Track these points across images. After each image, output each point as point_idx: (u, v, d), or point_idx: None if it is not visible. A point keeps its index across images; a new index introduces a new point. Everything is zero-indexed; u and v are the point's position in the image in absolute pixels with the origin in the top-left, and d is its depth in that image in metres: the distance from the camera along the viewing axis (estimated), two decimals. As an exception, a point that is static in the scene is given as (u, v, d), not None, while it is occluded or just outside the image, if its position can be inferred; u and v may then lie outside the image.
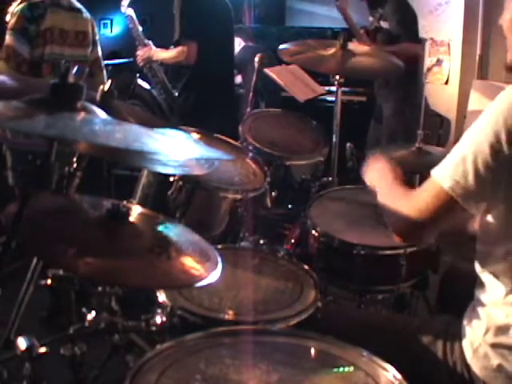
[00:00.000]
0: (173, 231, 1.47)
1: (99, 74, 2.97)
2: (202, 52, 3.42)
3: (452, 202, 1.30)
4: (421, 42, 3.89)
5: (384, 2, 3.69)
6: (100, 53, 2.99)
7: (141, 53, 3.80)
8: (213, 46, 3.46)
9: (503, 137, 1.25)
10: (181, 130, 1.81)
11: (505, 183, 1.28)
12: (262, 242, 2.13)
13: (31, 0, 2.68)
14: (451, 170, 1.30)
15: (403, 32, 3.61)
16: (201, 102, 3.50)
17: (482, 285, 1.41)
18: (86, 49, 2.88)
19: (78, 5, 2.89)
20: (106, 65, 3.10)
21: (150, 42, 3.79)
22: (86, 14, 2.90)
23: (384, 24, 3.68)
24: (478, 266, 1.41)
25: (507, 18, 1.40)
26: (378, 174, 1.64)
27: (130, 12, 3.84)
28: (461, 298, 1.51)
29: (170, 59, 3.61)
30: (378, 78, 3.86)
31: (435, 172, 1.34)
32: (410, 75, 3.52)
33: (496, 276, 1.36)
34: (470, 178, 1.27)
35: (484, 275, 1.39)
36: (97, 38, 2.96)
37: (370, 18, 3.82)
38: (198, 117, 3.29)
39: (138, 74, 3.97)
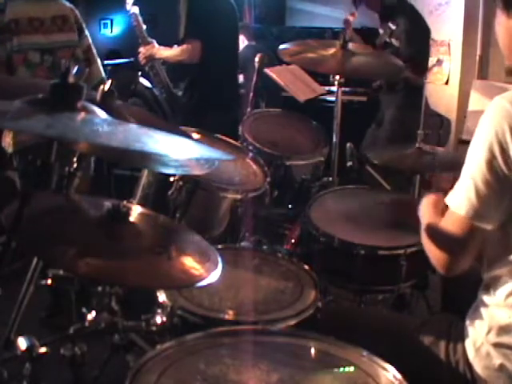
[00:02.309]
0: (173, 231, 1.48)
1: (95, 61, 2.96)
2: (207, 51, 3.42)
3: (472, 226, 1.31)
4: (426, 67, 3.82)
5: (396, 16, 3.64)
6: (90, 40, 2.97)
7: (143, 50, 3.78)
8: (217, 46, 3.46)
9: (497, 150, 1.26)
10: (181, 129, 1.81)
11: (508, 194, 1.29)
12: (261, 241, 2.14)
13: None
14: (461, 196, 1.32)
15: (407, 55, 3.55)
16: (205, 101, 3.50)
17: (484, 285, 1.41)
18: (69, 34, 2.85)
19: None
20: (106, 65, 3.10)
21: (154, 41, 3.79)
22: (63, 2, 2.88)
23: (395, 42, 3.64)
24: (481, 267, 1.41)
25: (497, 30, 1.40)
26: (423, 212, 1.57)
27: (135, 10, 3.84)
28: (465, 297, 1.51)
29: (174, 57, 3.61)
30: (378, 79, 3.85)
31: (449, 201, 1.35)
32: (414, 86, 3.51)
33: (498, 277, 1.36)
34: (477, 199, 1.29)
35: (487, 276, 1.40)
36: (83, 25, 2.93)
37: (381, 31, 3.79)
38: (201, 116, 3.28)
39: (139, 72, 3.96)
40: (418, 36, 3.63)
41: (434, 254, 1.39)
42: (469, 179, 1.31)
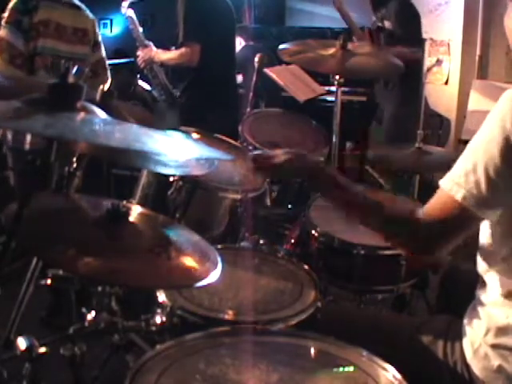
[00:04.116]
0: (173, 231, 1.48)
1: (103, 73, 2.96)
2: (205, 53, 3.42)
3: (466, 212, 1.26)
4: (420, 45, 3.83)
5: (387, 2, 3.68)
6: (104, 53, 2.98)
7: (142, 54, 3.79)
8: (216, 48, 3.46)
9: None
10: (180, 130, 1.81)
11: None
12: (261, 242, 2.14)
13: None
14: (462, 180, 1.27)
15: (401, 34, 3.60)
16: (203, 102, 3.50)
17: (482, 285, 1.40)
18: (85, 47, 2.86)
19: (78, 2, 2.87)
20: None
21: (151, 43, 3.79)
22: (87, 13, 2.89)
23: (387, 24, 3.67)
24: (479, 266, 1.41)
25: (507, 23, 1.39)
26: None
27: (131, 13, 3.84)
28: (461, 297, 1.51)
29: (172, 60, 3.61)
30: (378, 79, 3.86)
31: (444, 183, 1.30)
32: (408, 79, 3.52)
33: (496, 276, 1.36)
34: (483, 186, 1.24)
35: (485, 275, 1.39)
36: (99, 38, 2.95)
37: (373, 18, 3.82)
38: (199, 117, 3.29)
39: (138, 75, 3.96)
40: (409, 15, 3.68)
41: (404, 234, 1.35)
42: (478, 166, 1.25)
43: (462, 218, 1.28)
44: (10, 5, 2.66)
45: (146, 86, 3.98)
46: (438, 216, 1.31)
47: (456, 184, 1.28)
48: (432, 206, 1.33)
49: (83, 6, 2.88)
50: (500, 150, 1.23)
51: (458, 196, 1.27)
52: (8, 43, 2.62)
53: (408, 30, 3.63)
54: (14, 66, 2.62)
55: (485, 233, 1.38)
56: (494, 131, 1.25)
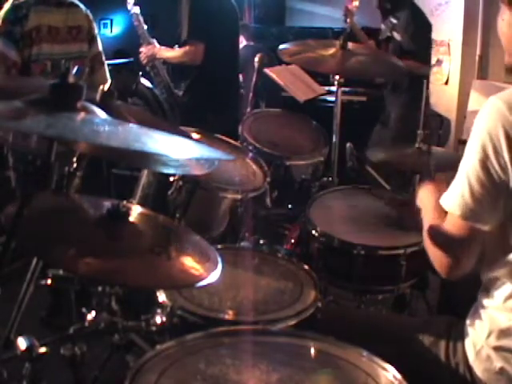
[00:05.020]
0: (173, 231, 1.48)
1: (100, 68, 2.92)
2: (209, 53, 3.42)
3: (470, 227, 1.31)
4: (429, 60, 3.80)
5: (397, 11, 3.65)
6: (100, 47, 2.93)
7: (145, 50, 3.78)
8: (219, 47, 3.46)
9: (490, 151, 1.26)
10: (181, 129, 1.80)
11: (503, 195, 1.28)
12: (261, 242, 2.14)
13: (15, 2, 2.64)
14: (456, 196, 1.32)
15: (410, 48, 3.56)
16: (204, 102, 3.50)
17: (484, 287, 1.40)
18: (81, 44, 2.82)
19: None
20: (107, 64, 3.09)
21: (155, 41, 3.79)
22: (79, 8, 2.83)
23: (396, 35, 3.65)
24: (482, 270, 1.41)
25: (501, 26, 1.40)
26: (423, 209, 1.56)
27: (136, 10, 3.84)
28: (462, 299, 1.51)
29: (175, 58, 3.61)
30: (386, 84, 3.85)
31: (444, 202, 1.35)
32: (416, 84, 3.50)
33: (498, 279, 1.36)
34: (471, 198, 1.29)
35: (486, 277, 1.39)
36: (95, 32, 2.89)
37: (382, 26, 3.80)
38: (201, 117, 3.28)
39: (140, 73, 3.96)
40: (419, 29, 3.63)
41: (436, 256, 1.38)
42: (463, 179, 1.30)
43: (468, 233, 1.31)
44: (1, 15, 2.63)
45: (148, 84, 3.98)
46: (450, 238, 1.34)
47: (453, 201, 1.32)
48: (445, 229, 1.36)
49: (76, 2, 2.83)
50: (480, 161, 1.27)
51: (457, 213, 1.31)
52: (2, 54, 2.59)
53: (417, 44, 3.59)
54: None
55: (487, 238, 1.38)
56: (475, 143, 1.29)
